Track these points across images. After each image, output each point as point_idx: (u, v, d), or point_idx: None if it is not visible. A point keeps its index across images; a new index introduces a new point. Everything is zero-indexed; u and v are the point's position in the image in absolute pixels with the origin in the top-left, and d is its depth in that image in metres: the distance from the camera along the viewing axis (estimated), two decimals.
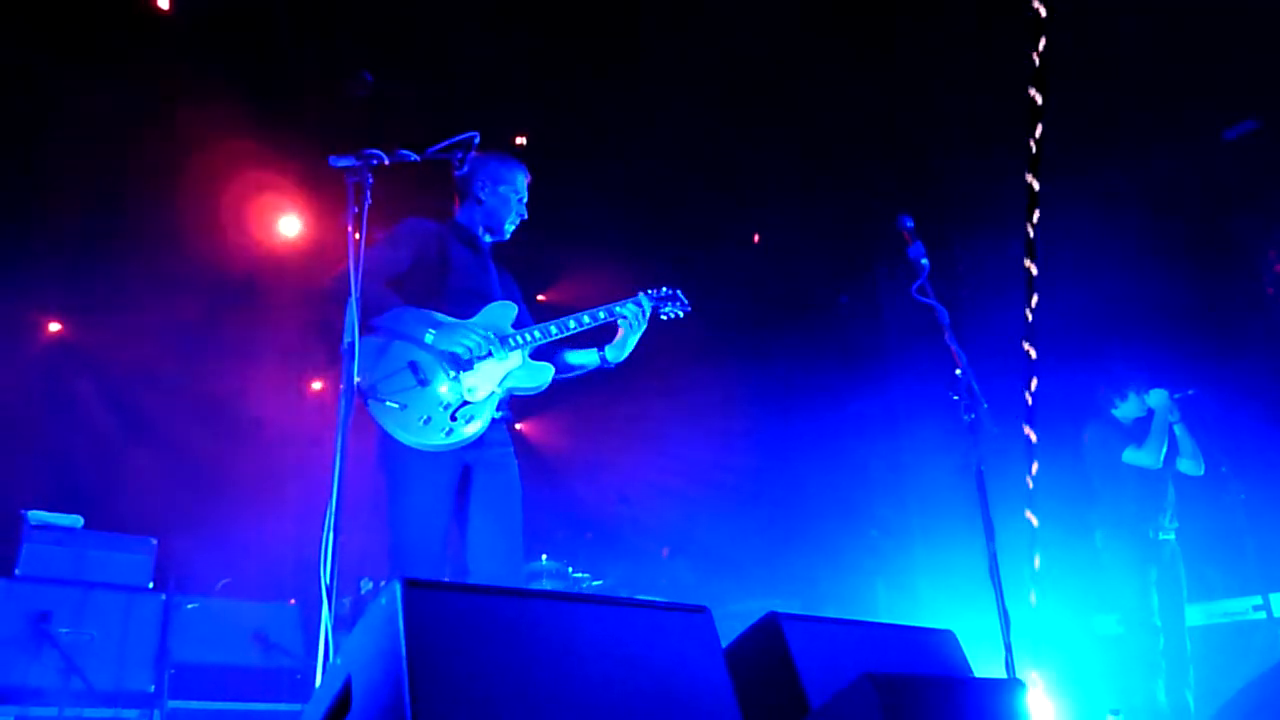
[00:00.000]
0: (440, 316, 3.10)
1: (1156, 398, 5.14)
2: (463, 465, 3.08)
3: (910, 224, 3.35)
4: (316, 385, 7.43)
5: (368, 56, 6.18)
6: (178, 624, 4.43)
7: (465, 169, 3.36)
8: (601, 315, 3.28)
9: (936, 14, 5.72)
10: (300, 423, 6.93)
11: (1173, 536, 5.11)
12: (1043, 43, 3.76)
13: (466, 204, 3.42)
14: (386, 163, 2.79)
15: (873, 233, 7.45)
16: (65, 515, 4.62)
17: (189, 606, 4.56)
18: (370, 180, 2.73)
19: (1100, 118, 5.79)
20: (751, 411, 7.82)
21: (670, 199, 7.28)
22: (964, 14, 5.61)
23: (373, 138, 2.95)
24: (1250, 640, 5.06)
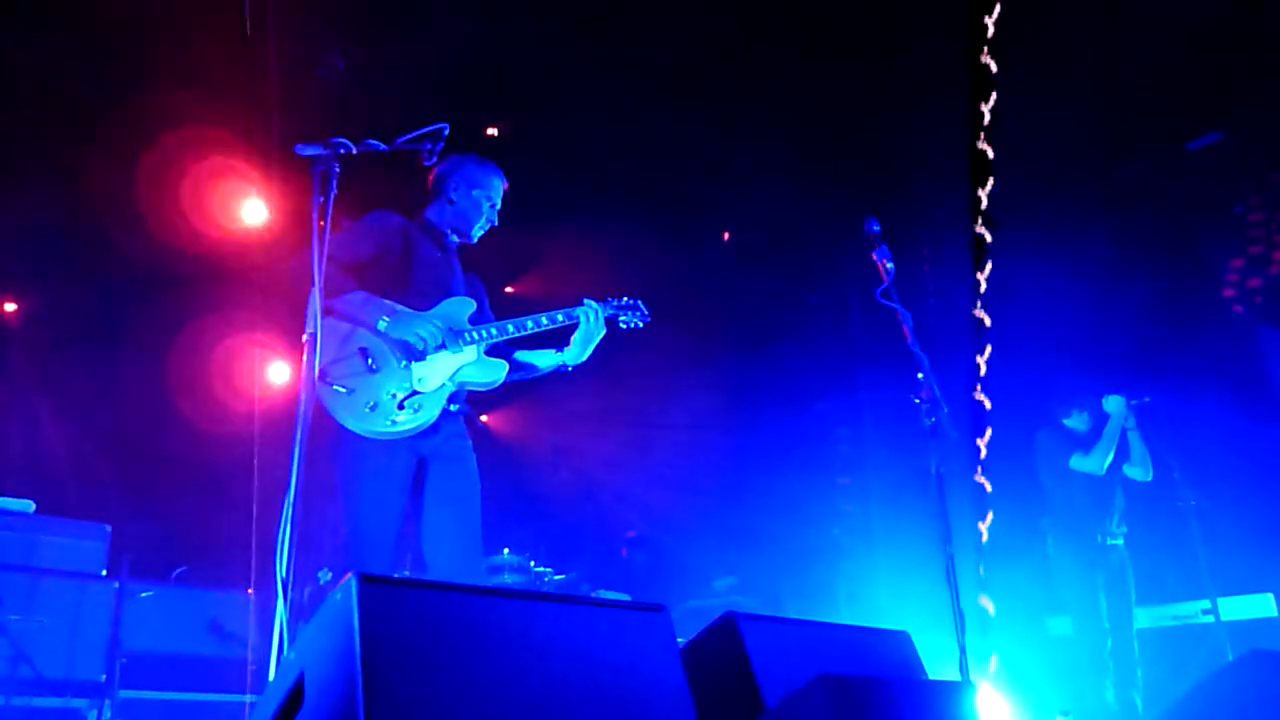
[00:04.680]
0: (397, 306, 3.08)
1: (1113, 404, 5.23)
2: (417, 458, 3.06)
3: (877, 228, 3.37)
4: (279, 371, 7.32)
5: (338, 40, 6.11)
6: (131, 612, 4.35)
7: (442, 166, 3.35)
8: (560, 318, 3.29)
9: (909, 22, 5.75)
10: (262, 410, 6.83)
11: (1121, 541, 5.20)
12: (993, 98, 3.75)
13: (438, 202, 3.40)
14: (354, 152, 2.76)
15: (843, 234, 7.49)
16: (16, 500, 4.53)
17: (143, 595, 4.49)
18: (337, 169, 2.70)
19: (1066, 130, 5.85)
20: (718, 410, 7.85)
21: (640, 196, 7.27)
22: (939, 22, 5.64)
23: (341, 125, 2.91)
24: (1199, 644, 5.16)
